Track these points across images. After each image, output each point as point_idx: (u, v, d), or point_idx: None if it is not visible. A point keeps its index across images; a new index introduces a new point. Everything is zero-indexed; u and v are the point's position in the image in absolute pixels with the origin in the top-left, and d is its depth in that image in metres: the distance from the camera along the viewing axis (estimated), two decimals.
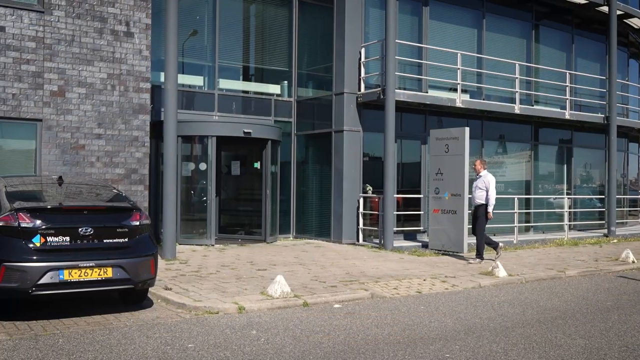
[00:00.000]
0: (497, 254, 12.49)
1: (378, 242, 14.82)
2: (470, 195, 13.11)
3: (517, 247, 15.66)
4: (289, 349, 6.22)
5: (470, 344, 6.47)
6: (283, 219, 16.16)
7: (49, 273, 6.93)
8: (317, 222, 16.04)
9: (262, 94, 16.62)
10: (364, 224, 15.41)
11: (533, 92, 19.17)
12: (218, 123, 15.02)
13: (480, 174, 12.57)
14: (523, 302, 8.91)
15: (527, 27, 19.45)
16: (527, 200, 18.61)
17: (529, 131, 19.03)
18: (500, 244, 12.68)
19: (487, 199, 12.33)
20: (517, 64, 17.71)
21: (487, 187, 12.32)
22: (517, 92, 17.61)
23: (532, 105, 18.89)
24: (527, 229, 18.55)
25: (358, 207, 15.31)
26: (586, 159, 21.16)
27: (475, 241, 12.71)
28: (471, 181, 13.26)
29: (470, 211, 13.19)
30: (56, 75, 12.00)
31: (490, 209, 12.36)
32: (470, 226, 13.02)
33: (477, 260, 12.29)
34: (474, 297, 9.22)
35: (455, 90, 16.47)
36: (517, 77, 17.66)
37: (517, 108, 17.41)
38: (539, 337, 6.81)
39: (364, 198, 15.41)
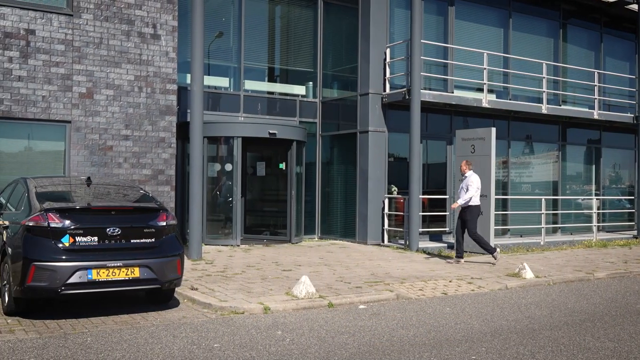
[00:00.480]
0: (456, 260, 12.21)
1: (403, 243, 14.76)
2: (495, 197, 12.93)
3: (544, 248, 15.48)
4: (314, 349, 6.22)
5: (496, 346, 6.42)
6: (308, 220, 16.18)
7: (77, 272, 7.04)
8: (342, 223, 16.03)
9: (287, 94, 16.67)
10: (389, 225, 15.36)
11: (560, 92, 18.93)
12: (243, 124, 15.09)
13: (465, 175, 12.31)
14: (550, 304, 8.81)
15: (555, 26, 19.22)
16: (555, 201, 18.40)
17: (556, 131, 18.79)
18: (462, 261, 12.21)
19: (470, 199, 12.02)
20: (544, 64, 17.51)
21: (468, 187, 12.05)
22: (544, 91, 17.41)
23: (560, 105, 18.65)
24: (554, 230, 18.34)
25: (383, 208, 15.27)
26: (615, 160, 20.84)
27: (475, 243, 12.38)
28: (496, 182, 13.06)
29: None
30: (84, 77, 12.18)
31: (460, 202, 12.04)
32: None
33: (493, 256, 12.10)
34: (500, 298, 9.14)
35: (481, 90, 16.33)
36: (544, 77, 17.46)
37: (545, 108, 17.20)
38: (567, 340, 6.73)
39: (389, 199, 15.36)
